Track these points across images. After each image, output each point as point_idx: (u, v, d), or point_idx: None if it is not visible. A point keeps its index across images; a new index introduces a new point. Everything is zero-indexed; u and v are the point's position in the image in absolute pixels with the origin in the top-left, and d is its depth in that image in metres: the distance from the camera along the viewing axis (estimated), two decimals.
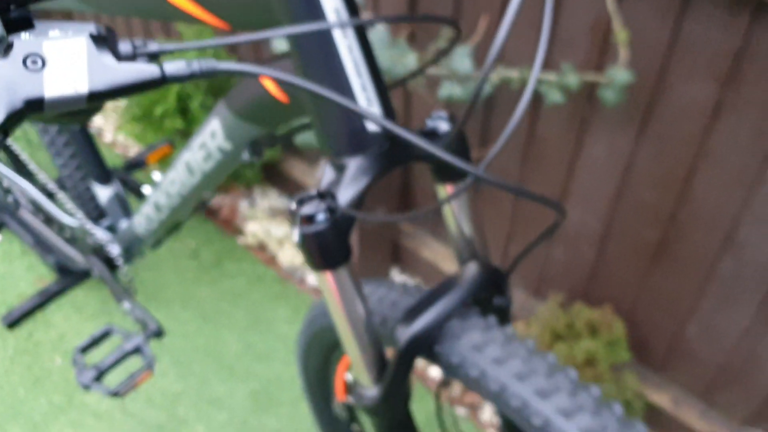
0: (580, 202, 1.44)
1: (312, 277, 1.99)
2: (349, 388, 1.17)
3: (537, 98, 1.34)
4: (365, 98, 0.63)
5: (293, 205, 0.63)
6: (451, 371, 0.72)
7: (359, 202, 0.64)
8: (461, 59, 1.22)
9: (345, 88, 0.61)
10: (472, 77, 1.22)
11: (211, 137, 0.83)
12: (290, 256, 2.04)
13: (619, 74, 1.11)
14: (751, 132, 1.11)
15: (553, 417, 0.63)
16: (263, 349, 1.79)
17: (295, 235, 0.63)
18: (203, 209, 2.02)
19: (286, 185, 2.16)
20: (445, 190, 0.74)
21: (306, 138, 1.19)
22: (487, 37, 1.33)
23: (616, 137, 1.29)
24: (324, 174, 0.66)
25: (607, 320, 1.51)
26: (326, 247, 0.63)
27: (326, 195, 0.63)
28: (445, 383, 1.07)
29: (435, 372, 1.74)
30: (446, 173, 0.72)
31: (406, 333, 0.70)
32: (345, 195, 0.63)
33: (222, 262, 2.01)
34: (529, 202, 1.52)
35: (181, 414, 1.64)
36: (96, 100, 0.44)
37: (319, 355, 1.07)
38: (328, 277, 0.67)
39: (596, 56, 1.21)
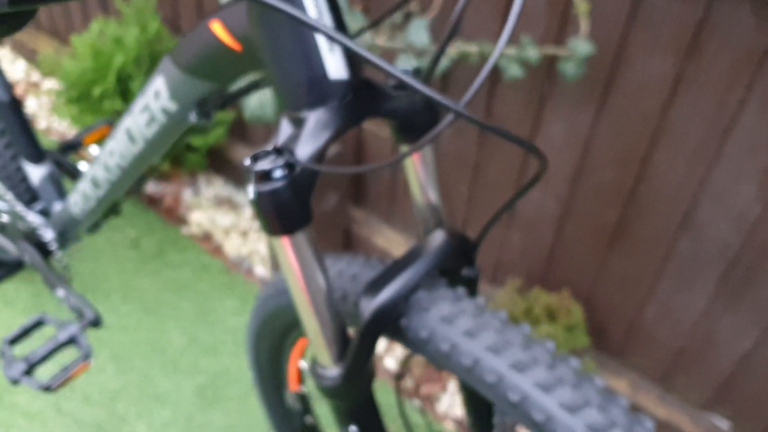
0: (538, 184, 1.41)
1: (261, 268, 1.92)
2: (304, 375, 1.11)
3: (494, 74, 1.30)
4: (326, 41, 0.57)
5: (247, 161, 0.57)
6: (418, 347, 0.67)
7: (320, 157, 0.58)
8: (418, 32, 1.17)
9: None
10: (429, 51, 1.18)
11: (155, 98, 0.76)
12: (237, 245, 1.96)
13: (580, 46, 1.08)
14: (710, 106, 1.09)
15: (532, 391, 0.58)
16: (209, 342, 1.71)
17: (250, 193, 0.57)
18: (141, 188, 1.92)
19: (233, 173, 2.08)
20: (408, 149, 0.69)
21: (256, 110, 1.12)
22: (445, 9, 1.29)
23: (576, 114, 1.26)
24: (280, 130, 0.60)
25: (566, 305, 1.49)
26: (284, 208, 0.57)
27: (284, 151, 0.57)
28: (401, 374, 1.02)
29: (391, 362, 1.69)
30: (411, 131, 0.66)
31: (369, 306, 0.64)
32: (304, 150, 0.57)
33: (165, 253, 1.92)
34: (490, 166, 1.48)
35: (120, 412, 1.55)
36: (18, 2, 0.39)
37: (271, 342, 1.00)
38: (285, 242, 0.60)
39: (556, 29, 1.18)
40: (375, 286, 0.66)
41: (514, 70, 1.16)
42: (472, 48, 1.19)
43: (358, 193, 1.83)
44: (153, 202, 2.06)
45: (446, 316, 0.64)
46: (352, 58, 0.59)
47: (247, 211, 2.06)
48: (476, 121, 0.48)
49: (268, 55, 0.58)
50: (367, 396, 0.75)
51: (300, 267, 0.62)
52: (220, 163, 2.07)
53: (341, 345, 0.69)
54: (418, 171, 0.70)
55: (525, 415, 0.59)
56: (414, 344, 0.68)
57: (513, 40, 1.21)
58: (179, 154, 1.91)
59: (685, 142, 1.15)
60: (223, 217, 2.02)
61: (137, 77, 1.77)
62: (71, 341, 1.15)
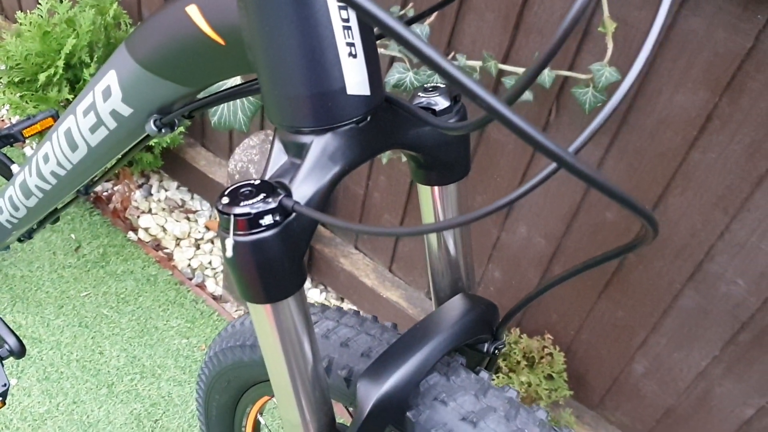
0: (528, 217, 1.28)
1: (213, 283, 1.75)
2: (261, 430, 0.95)
3: (497, 94, 1.17)
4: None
5: (222, 201, 0.42)
6: None
7: (324, 201, 0.43)
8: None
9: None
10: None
11: (104, 97, 0.59)
12: (188, 256, 1.78)
13: (604, 72, 0.95)
14: (744, 150, 0.97)
15: None
16: (150, 364, 1.53)
17: (225, 246, 0.41)
18: (87, 196, 1.73)
19: (189, 176, 1.90)
20: (429, 192, 0.54)
21: (225, 116, 0.96)
22: (440, 16, 1.15)
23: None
24: (271, 157, 0.45)
25: (547, 351, 1.36)
26: (272, 268, 0.42)
27: (275, 187, 0.42)
28: None
29: None
30: (436, 168, 0.52)
31: (372, 394, 0.49)
32: (304, 189, 0.42)
33: (108, 260, 1.73)
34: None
35: None
36: None
37: (228, 397, 0.84)
38: (268, 311, 0.45)
39: (574, 49, 1.04)
40: (379, 367, 0.50)
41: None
42: (476, 64, 1.05)
43: (326, 211, 1.68)
44: (99, 202, 1.86)
45: (468, 414, 0.49)
46: (374, 69, 0.44)
47: (202, 220, 1.88)
48: (586, 174, 0.33)
49: (263, 55, 0.42)
50: None
51: (283, 342, 0.47)
52: (175, 165, 1.89)
53: (327, 427, 0.53)
54: (437, 218, 0.55)
55: None
56: None
57: (525, 59, 1.07)
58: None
59: (707, 189, 1.03)
60: (175, 224, 1.84)
61: (91, 65, 1.58)
62: None
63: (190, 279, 1.74)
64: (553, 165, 0.35)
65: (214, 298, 1.71)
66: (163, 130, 0.58)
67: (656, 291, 1.18)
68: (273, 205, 0.41)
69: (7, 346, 1.00)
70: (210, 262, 1.79)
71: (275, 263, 0.42)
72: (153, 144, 1.68)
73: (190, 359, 1.55)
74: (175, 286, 1.70)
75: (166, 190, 1.93)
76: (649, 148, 1.06)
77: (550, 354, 1.36)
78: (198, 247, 1.82)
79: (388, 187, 1.47)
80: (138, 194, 1.90)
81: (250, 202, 0.41)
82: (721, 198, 1.02)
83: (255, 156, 1.37)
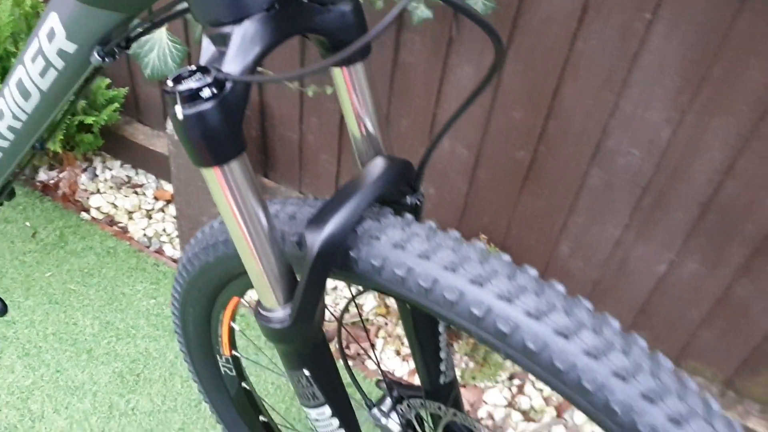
0: (449, 132, 1.41)
1: (170, 248, 1.84)
2: (236, 337, 1.06)
3: (400, 21, 1.29)
4: None
5: (168, 83, 0.53)
6: (370, 279, 0.64)
7: (252, 72, 0.54)
8: None
9: None
10: None
11: (49, 40, 0.69)
12: (142, 226, 1.87)
13: None
14: (617, 33, 1.11)
15: (495, 303, 0.57)
16: (123, 327, 1.63)
17: (176, 115, 0.52)
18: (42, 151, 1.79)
19: (130, 153, 1.98)
20: (341, 73, 0.66)
21: (156, 65, 1.06)
22: None
23: (484, 55, 1.26)
24: (202, 51, 0.56)
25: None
26: (215, 133, 0.53)
27: (209, 68, 0.53)
28: (342, 317, 0.99)
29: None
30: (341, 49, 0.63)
31: (316, 239, 0.61)
32: (233, 66, 0.53)
33: (66, 241, 1.81)
34: (401, 119, 1.47)
35: (35, 409, 1.46)
36: None
37: (201, 305, 0.95)
38: (217, 174, 0.56)
39: None
40: (319, 219, 0.62)
41: (421, 12, 1.15)
42: None
43: (267, 163, 1.78)
44: (47, 189, 1.93)
45: (398, 241, 0.62)
46: None
47: (150, 191, 1.96)
48: None
49: None
50: (318, 338, 0.72)
51: (235, 201, 0.58)
52: (115, 144, 1.97)
53: (288, 285, 0.65)
54: (351, 94, 0.67)
55: (490, 328, 0.57)
56: (365, 277, 0.65)
57: None
58: (71, 136, 1.80)
59: (593, 73, 1.18)
60: (125, 200, 1.93)
61: (18, 54, 1.64)
62: None
63: (148, 247, 1.83)
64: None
65: (174, 261, 1.81)
66: (106, 59, 0.68)
67: (566, 176, 1.32)
68: (209, 80, 0.52)
69: None
70: (164, 229, 1.88)
71: (217, 130, 0.53)
72: (92, 122, 1.75)
73: (161, 316, 1.65)
74: (134, 254, 1.79)
75: (110, 170, 2.01)
76: (539, 45, 1.19)
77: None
78: (150, 217, 1.91)
79: (320, 128, 1.58)
80: (84, 178, 1.97)
81: (191, 80, 0.52)
82: (607, 80, 1.17)
83: None
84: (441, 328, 0.87)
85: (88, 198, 1.92)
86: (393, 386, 0.98)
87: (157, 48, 1.07)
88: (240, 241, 0.62)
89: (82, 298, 1.68)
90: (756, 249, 1.20)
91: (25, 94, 0.77)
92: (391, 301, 1.68)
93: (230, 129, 0.54)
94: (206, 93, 0.52)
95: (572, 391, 0.55)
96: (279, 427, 1.24)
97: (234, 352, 1.07)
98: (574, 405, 0.56)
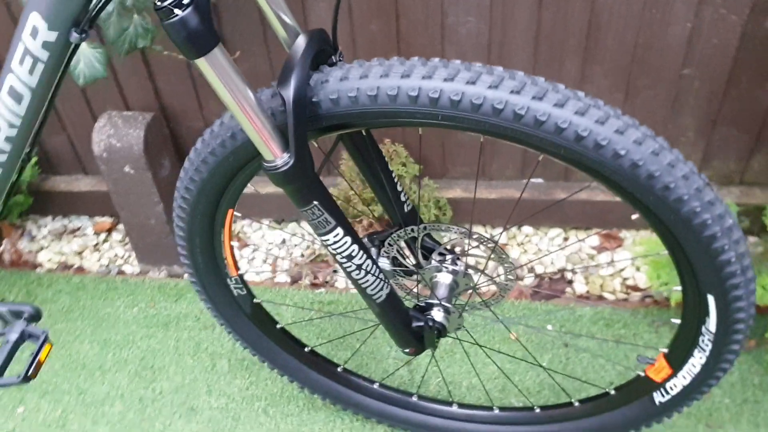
0: None
1: (130, 267, 2.02)
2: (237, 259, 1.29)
3: None
4: None
5: (157, 3, 0.76)
6: (333, 115, 0.90)
7: None
8: None
9: None
10: None
11: (33, 37, 0.84)
12: (96, 259, 2.04)
13: None
14: None
15: (445, 86, 0.84)
16: (120, 337, 1.81)
17: (169, 22, 0.75)
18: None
19: (57, 205, 2.14)
20: None
21: (87, 72, 1.26)
22: None
23: None
24: None
25: (393, 148, 1.78)
26: (196, 31, 0.77)
27: None
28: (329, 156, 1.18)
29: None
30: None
31: (288, 91, 0.86)
32: None
33: (34, 295, 1.97)
34: None
35: (75, 429, 1.63)
36: None
37: (204, 226, 1.15)
38: (205, 62, 0.81)
39: None
40: (283, 82, 0.87)
41: None
42: None
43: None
44: None
45: (341, 76, 0.89)
46: None
47: (89, 229, 2.13)
48: None
49: None
50: (315, 177, 0.97)
51: (225, 79, 0.83)
52: (40, 203, 2.11)
53: (282, 138, 0.90)
54: None
55: (425, 102, 0.85)
56: (329, 116, 0.91)
57: None
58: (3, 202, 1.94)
59: None
60: (69, 245, 2.09)
61: None
62: (23, 337, 1.23)
63: (109, 273, 2.01)
64: None
65: (138, 275, 1.99)
66: (84, 35, 0.89)
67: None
68: None
69: (26, 314, 1.27)
70: (116, 254, 2.06)
71: (198, 27, 0.77)
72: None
73: (149, 317, 1.86)
74: (102, 280, 1.97)
75: (44, 227, 2.16)
76: None
77: (396, 150, 1.78)
78: (99, 250, 2.08)
79: (220, 114, 1.81)
80: (24, 242, 2.12)
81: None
82: None
83: (110, 130, 1.67)
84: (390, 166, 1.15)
85: (35, 257, 2.07)
86: (372, 238, 1.24)
87: (83, 59, 1.28)
88: (237, 111, 0.86)
89: (73, 331, 1.85)
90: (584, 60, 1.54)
91: (18, 98, 0.94)
92: None
93: (206, 25, 0.79)
94: (186, 0, 0.76)
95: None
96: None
97: (239, 272, 1.30)
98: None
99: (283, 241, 2.01)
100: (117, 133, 1.68)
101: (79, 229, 2.15)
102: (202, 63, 0.81)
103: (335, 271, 1.91)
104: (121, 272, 2.01)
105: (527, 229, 1.91)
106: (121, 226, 2.11)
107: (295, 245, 1.99)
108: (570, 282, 1.79)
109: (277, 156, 0.91)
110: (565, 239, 1.88)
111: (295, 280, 1.91)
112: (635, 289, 1.76)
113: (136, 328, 1.83)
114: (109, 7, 1.22)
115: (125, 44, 1.30)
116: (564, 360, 1.61)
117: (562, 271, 1.83)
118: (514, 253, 1.87)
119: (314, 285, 1.89)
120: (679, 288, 1.05)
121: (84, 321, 1.87)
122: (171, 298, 1.90)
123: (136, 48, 1.31)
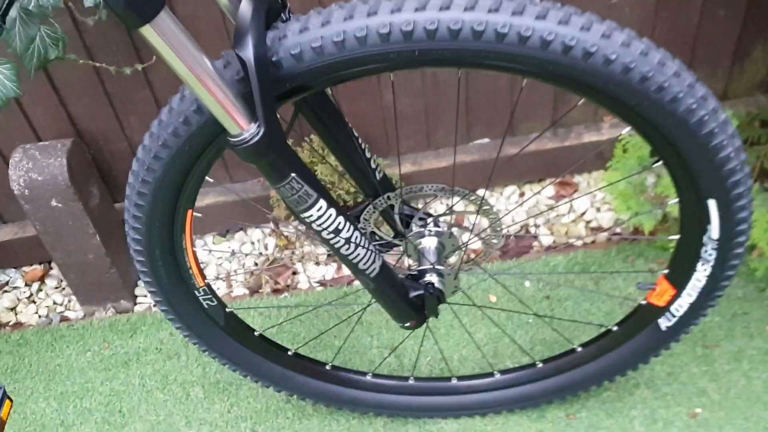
0: None
1: (72, 312, 1.87)
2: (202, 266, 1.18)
3: None
4: None
5: None
6: (297, 73, 0.82)
7: None
8: None
9: None
10: None
11: None
12: (32, 311, 1.88)
13: None
14: None
15: (418, 17, 0.77)
16: (77, 388, 1.66)
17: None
18: None
19: None
20: None
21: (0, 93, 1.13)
22: None
23: None
24: None
25: None
26: None
27: None
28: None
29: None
30: None
31: (247, 53, 0.76)
32: None
33: None
34: None
35: None
36: None
37: (163, 233, 1.05)
38: (153, 29, 0.71)
39: None
40: (240, 45, 0.77)
41: None
42: None
43: (117, 188, 1.83)
44: None
45: (300, 28, 0.81)
46: None
47: (19, 281, 1.96)
48: None
49: None
50: (289, 148, 0.88)
51: (175, 48, 0.74)
52: None
53: (247, 106, 0.81)
54: None
55: (397, 36, 0.78)
56: (293, 75, 0.83)
57: None
58: None
59: None
60: (0, 301, 1.91)
61: None
62: None
63: (51, 323, 1.85)
64: None
65: (82, 318, 1.84)
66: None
67: None
68: None
69: None
70: (54, 302, 1.90)
71: None
72: None
73: (106, 356, 1.71)
74: (44, 332, 1.80)
75: None
76: None
77: None
78: (34, 301, 1.91)
79: (141, 125, 1.69)
80: None
81: None
82: None
83: (28, 164, 1.53)
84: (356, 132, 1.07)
85: None
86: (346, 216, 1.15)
87: None
88: (194, 82, 0.77)
89: (23, 391, 1.68)
90: None
91: None
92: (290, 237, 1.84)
93: None
94: None
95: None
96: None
97: (206, 281, 1.19)
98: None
99: (233, 253, 1.89)
100: (36, 166, 1.53)
101: (7, 283, 1.97)
102: (148, 31, 0.72)
103: (294, 273, 1.82)
104: (64, 318, 1.85)
105: (482, 191, 1.86)
106: (54, 271, 1.94)
107: (246, 255, 1.88)
108: (535, 237, 1.76)
109: (244, 128, 0.82)
110: (521, 195, 1.85)
111: (254, 291, 1.80)
112: (599, 229, 1.74)
113: (93, 374, 1.68)
114: (12, 13, 1.09)
115: (34, 58, 1.17)
116: (549, 312, 1.57)
117: (525, 227, 1.79)
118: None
119: (276, 291, 1.79)
120: (676, 201, 1.01)
121: (33, 378, 1.71)
122: (125, 335, 1.75)
123: (48, 60, 1.19)
